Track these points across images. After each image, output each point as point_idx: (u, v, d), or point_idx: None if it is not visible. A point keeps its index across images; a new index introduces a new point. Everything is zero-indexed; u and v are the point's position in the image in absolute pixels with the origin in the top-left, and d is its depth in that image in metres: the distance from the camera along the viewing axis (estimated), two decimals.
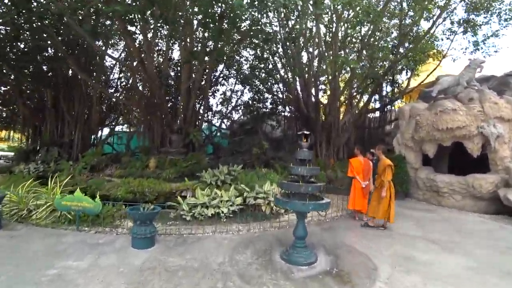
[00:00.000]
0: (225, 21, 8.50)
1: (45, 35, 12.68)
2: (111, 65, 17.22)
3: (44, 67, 14.58)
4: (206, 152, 16.23)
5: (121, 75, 17.18)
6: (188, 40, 11.70)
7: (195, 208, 7.10)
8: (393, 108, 16.01)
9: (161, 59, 15.55)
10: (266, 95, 18.35)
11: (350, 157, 16.19)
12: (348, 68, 15.66)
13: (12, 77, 13.58)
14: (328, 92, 15.48)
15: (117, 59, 14.40)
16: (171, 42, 13.99)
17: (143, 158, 12.31)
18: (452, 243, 6.19)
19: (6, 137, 17.26)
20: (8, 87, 15.04)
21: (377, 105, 16.35)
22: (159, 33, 13.68)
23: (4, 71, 13.08)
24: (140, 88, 14.22)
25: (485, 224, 8.08)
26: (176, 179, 10.60)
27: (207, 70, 14.51)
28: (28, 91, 15.48)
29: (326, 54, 13.47)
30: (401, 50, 13.35)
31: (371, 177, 8.02)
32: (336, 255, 5.15)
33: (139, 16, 8.57)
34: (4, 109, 16.59)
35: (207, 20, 7.93)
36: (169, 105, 15.80)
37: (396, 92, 15.40)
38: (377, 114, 16.37)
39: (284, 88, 17.46)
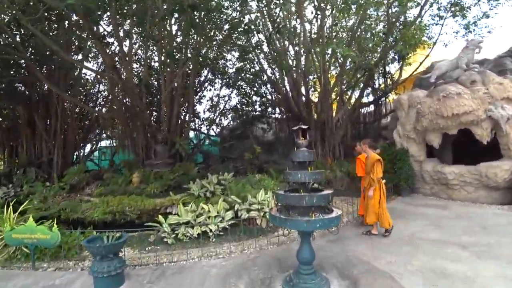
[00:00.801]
0: (199, 13, 7.35)
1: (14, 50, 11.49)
2: (92, 79, 15.96)
3: (17, 84, 13.26)
4: (195, 162, 14.95)
5: (101, 88, 15.89)
6: (166, 42, 10.48)
7: (178, 227, 5.84)
8: (387, 100, 14.93)
9: (142, 68, 14.34)
10: (255, 98, 17.19)
11: (347, 155, 15.24)
12: (337, 64, 14.70)
13: None
14: (319, 89, 14.38)
15: (95, 70, 13.16)
16: (151, 47, 12.78)
17: (127, 173, 11.00)
18: (483, 247, 5.02)
19: None
20: None
21: (370, 98, 15.31)
22: (135, 38, 12.44)
23: None
24: (121, 99, 12.87)
25: (508, 217, 6.95)
26: (162, 194, 9.32)
27: (189, 77, 13.31)
28: (1, 110, 14.09)
29: (313, 50, 12.38)
30: (390, 39, 12.32)
31: None
32: (353, 279, 3.93)
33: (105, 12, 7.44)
34: None
35: (176, 9, 6.76)
36: (153, 115, 14.59)
37: (389, 84, 14.33)
38: (372, 108, 15.28)
39: (273, 89, 16.33)
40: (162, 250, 5.46)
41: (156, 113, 14.39)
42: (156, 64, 14.21)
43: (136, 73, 14.31)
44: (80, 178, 11.41)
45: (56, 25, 12.42)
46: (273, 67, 14.92)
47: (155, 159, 11.78)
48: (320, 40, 11.88)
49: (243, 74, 15.83)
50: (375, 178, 5.76)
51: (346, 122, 13.80)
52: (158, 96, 13.19)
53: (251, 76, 15.34)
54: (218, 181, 8.88)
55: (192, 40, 11.84)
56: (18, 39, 11.41)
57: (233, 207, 6.47)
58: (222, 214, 6.09)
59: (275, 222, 3.57)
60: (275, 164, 14.56)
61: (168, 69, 12.26)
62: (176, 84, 12.35)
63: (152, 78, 14.36)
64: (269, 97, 16.98)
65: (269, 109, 17.38)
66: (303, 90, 14.10)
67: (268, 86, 16.63)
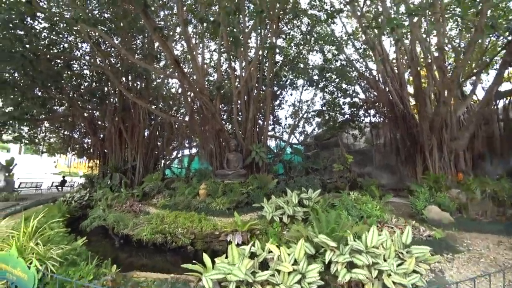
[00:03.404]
0: None
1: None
2: (175, 90, 15.28)
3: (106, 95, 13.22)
4: (276, 172, 12.35)
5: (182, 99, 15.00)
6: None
7: (226, 284, 3.22)
8: None
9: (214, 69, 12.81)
10: (342, 99, 13.78)
11: (477, 166, 10.51)
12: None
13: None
14: (425, 81, 10.13)
15: (162, 72, 11.97)
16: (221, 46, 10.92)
17: (195, 184, 9.12)
18: None
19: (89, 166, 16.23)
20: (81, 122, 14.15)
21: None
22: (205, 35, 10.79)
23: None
24: (192, 102, 11.36)
25: None
26: (229, 211, 6.99)
27: (266, 78, 10.99)
28: (99, 122, 14.30)
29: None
30: None
31: None
32: None
33: None
34: (84, 140, 15.87)
35: None
36: (230, 121, 12.76)
37: None
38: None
39: (365, 86, 12.64)
40: None
41: (230, 117, 12.51)
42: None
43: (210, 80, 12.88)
44: (153, 185, 10.09)
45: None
46: (367, 54, 11.44)
47: (227, 168, 9.69)
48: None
49: (328, 74, 12.74)
50: None
51: (477, 119, 9.19)
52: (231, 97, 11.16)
53: (338, 70, 12.04)
54: (300, 201, 6.06)
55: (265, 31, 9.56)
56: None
57: (321, 254, 3.53)
58: (302, 268, 3.22)
59: None
60: (371, 179, 10.95)
61: (243, 68, 10.22)
62: (251, 84, 10.27)
63: (226, 81, 12.62)
64: (361, 96, 13.34)
65: (361, 112, 13.69)
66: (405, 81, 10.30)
67: (359, 83, 13.09)
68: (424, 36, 9.72)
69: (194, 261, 3.61)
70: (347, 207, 5.61)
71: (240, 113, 10.68)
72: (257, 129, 11.14)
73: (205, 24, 8.92)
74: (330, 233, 3.62)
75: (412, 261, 3.38)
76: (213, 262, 3.66)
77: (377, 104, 12.14)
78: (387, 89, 10.34)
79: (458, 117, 10.27)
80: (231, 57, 10.80)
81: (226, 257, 3.64)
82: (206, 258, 3.71)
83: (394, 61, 10.84)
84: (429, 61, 9.61)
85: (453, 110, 9.67)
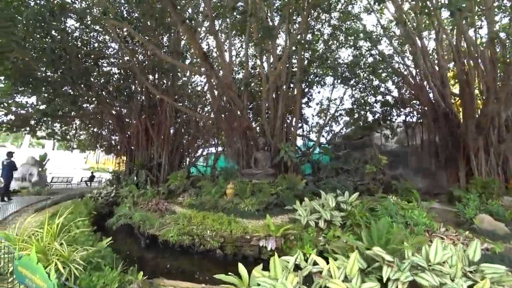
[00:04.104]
0: None
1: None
2: (201, 88, 15.10)
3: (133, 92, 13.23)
4: (303, 172, 11.82)
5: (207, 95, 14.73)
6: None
7: None
8: None
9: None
10: (374, 97, 12.96)
11: None
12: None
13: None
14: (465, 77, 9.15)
15: (187, 66, 11.74)
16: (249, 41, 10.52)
17: (222, 183, 8.80)
18: None
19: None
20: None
21: None
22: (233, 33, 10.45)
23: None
24: (219, 98, 11.03)
25: None
26: (258, 213, 6.61)
27: (295, 75, 10.49)
28: (126, 119, 14.36)
29: None
30: None
31: None
32: None
33: None
34: (112, 136, 16.07)
35: None
36: (254, 118, 12.38)
37: None
38: None
39: (400, 82, 11.79)
40: None
41: (257, 115, 12.11)
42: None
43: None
44: (179, 183, 9.89)
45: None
46: (402, 49, 10.66)
47: (255, 167, 9.31)
48: None
49: (359, 70, 11.99)
50: None
51: None
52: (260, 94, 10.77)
53: (371, 66, 11.27)
54: (337, 205, 5.55)
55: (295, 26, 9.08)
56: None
57: (377, 269, 3.03)
58: (356, 286, 2.76)
59: None
60: (406, 181, 10.17)
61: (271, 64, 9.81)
62: (280, 81, 9.83)
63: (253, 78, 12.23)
64: (395, 94, 12.48)
65: (393, 111, 12.80)
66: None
67: (392, 81, 12.26)
68: (467, 28, 8.86)
69: (230, 273, 3.24)
70: (391, 213, 5.04)
71: (267, 111, 10.28)
72: (286, 127, 10.70)
73: (232, 18, 8.57)
74: (384, 245, 3.12)
75: (487, 284, 2.83)
76: (248, 272, 3.29)
77: (413, 102, 11.29)
78: (427, 86, 9.53)
79: (507, 116, 9.32)
80: (260, 52, 10.41)
81: (263, 269, 3.25)
82: (241, 268, 3.32)
83: (434, 55, 10.02)
84: (476, 55, 8.74)
85: (502, 109, 8.75)
